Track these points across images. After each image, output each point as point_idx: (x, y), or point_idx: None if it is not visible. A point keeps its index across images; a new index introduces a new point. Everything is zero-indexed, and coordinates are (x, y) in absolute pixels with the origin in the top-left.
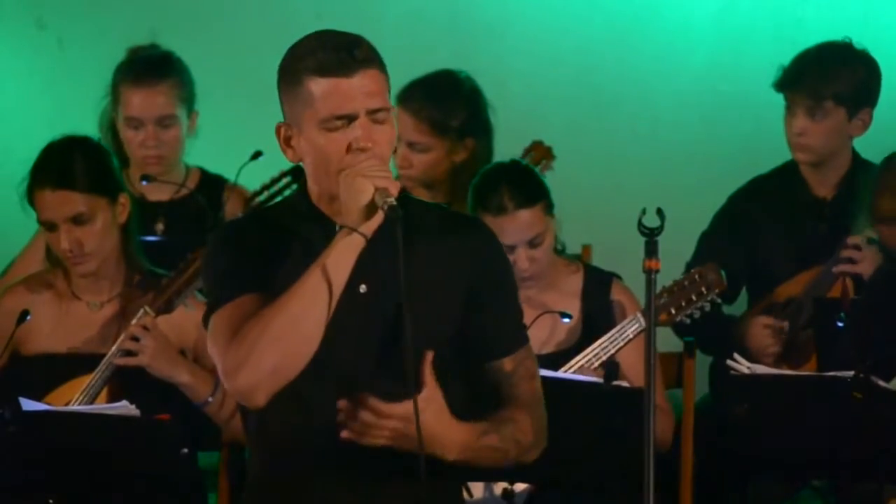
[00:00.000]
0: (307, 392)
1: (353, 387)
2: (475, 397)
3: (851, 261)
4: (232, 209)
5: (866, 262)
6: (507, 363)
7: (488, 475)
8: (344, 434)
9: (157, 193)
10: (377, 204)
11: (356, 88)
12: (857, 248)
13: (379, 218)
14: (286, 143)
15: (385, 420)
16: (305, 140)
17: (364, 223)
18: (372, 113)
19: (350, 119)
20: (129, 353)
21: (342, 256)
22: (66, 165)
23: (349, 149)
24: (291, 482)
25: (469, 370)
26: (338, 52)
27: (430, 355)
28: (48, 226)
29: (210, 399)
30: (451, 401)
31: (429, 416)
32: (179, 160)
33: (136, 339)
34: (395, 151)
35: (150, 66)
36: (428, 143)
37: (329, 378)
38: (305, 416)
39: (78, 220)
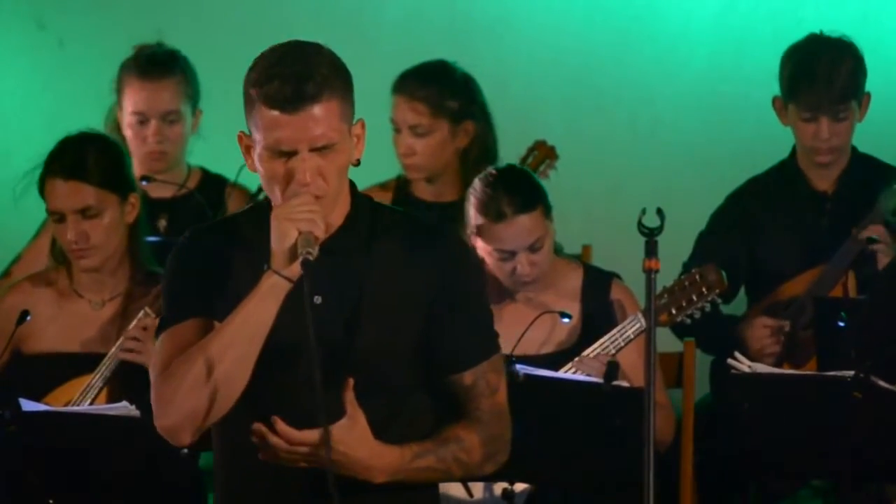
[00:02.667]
0: (264, 404)
1: (309, 397)
2: (443, 410)
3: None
4: (233, 208)
5: (884, 254)
6: (467, 377)
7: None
8: (260, 456)
9: (160, 191)
10: (298, 251)
11: (299, 126)
12: (873, 241)
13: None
14: (246, 152)
15: (296, 447)
16: (257, 157)
17: (289, 267)
18: (316, 149)
19: (290, 154)
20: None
21: (265, 300)
22: (81, 157)
23: (289, 181)
24: (250, 489)
25: (427, 384)
26: (289, 84)
27: (350, 382)
28: (56, 216)
29: None
30: (418, 415)
31: (351, 442)
32: (182, 158)
33: (136, 339)
34: (397, 144)
35: (156, 62)
36: (427, 124)
37: (286, 389)
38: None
39: (86, 213)
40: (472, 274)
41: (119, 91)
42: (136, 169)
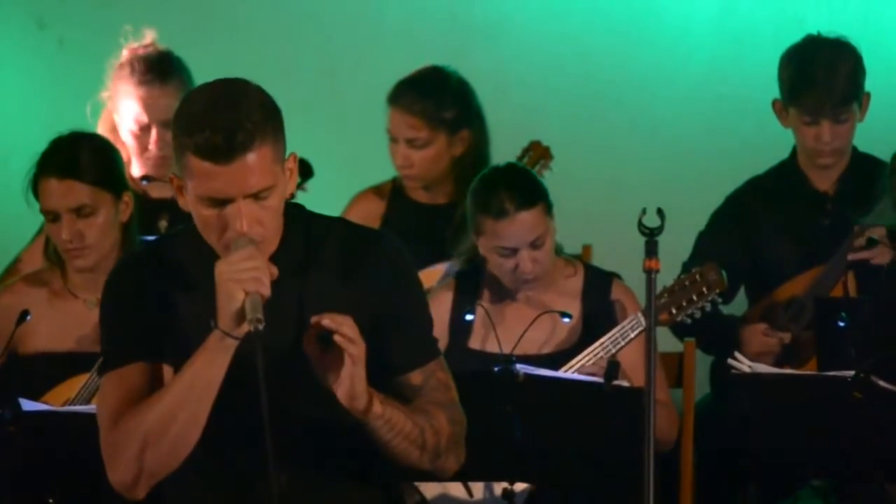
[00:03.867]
0: (214, 434)
1: (257, 418)
2: None
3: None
4: None
5: (882, 256)
6: (415, 377)
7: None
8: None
9: (160, 191)
10: (245, 317)
11: (233, 176)
12: (873, 241)
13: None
14: (178, 192)
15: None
16: (190, 201)
17: (237, 328)
18: (251, 196)
19: (225, 203)
20: None
21: (214, 360)
22: (74, 156)
23: (224, 228)
24: None
25: (377, 389)
26: (220, 134)
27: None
28: (51, 215)
29: None
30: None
31: (359, 370)
32: None
33: None
34: (395, 153)
35: (151, 69)
36: (425, 137)
37: (233, 418)
38: (216, 460)
39: (81, 212)
40: (407, 276)
41: (115, 96)
42: (140, 169)
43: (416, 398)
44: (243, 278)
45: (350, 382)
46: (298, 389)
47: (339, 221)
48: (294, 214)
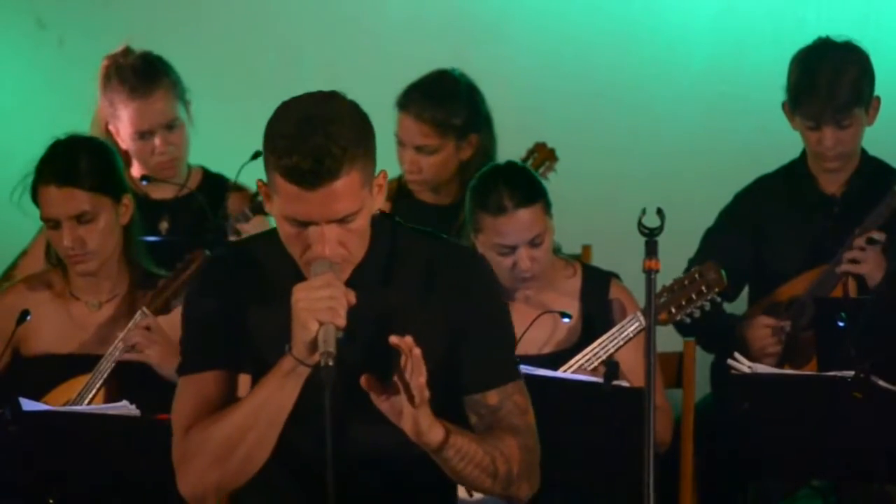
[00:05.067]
0: (290, 439)
1: (340, 431)
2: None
3: (855, 261)
4: (234, 209)
5: (870, 263)
6: (492, 396)
7: None
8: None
9: (161, 192)
10: (318, 347)
11: (319, 202)
12: (862, 248)
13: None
14: (266, 198)
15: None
16: (275, 214)
17: (309, 357)
18: (334, 221)
19: (308, 225)
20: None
21: (285, 384)
22: (73, 163)
23: (307, 247)
24: None
25: (452, 408)
26: (308, 160)
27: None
28: (51, 223)
29: None
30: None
31: (422, 411)
32: (187, 156)
33: (139, 338)
34: (402, 157)
35: (140, 79)
36: (435, 144)
37: (311, 424)
38: (290, 465)
39: (82, 219)
40: (496, 296)
41: (108, 107)
42: (143, 171)
43: (492, 419)
44: (318, 307)
45: (413, 421)
46: (371, 409)
47: (430, 236)
48: (382, 227)
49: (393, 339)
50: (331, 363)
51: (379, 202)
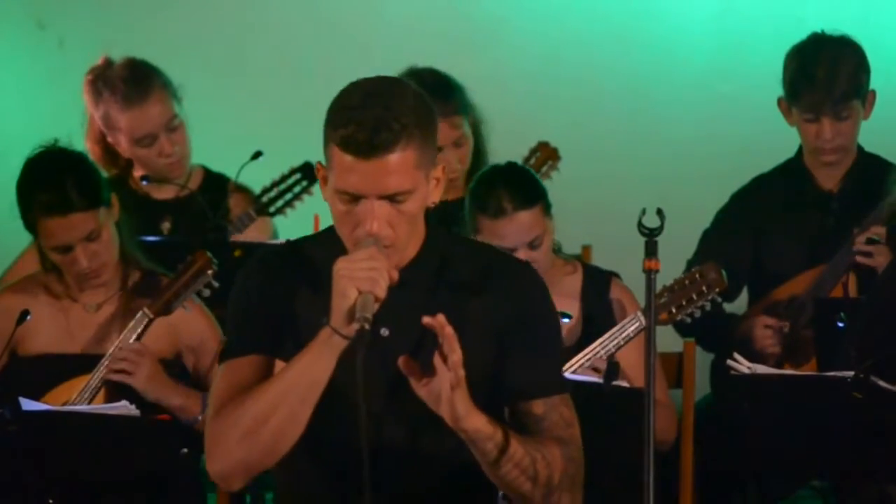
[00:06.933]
0: (328, 437)
1: (377, 429)
2: None
3: (868, 254)
4: (234, 210)
5: (883, 255)
6: (538, 406)
7: None
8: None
9: (163, 192)
10: (356, 314)
11: (371, 174)
12: (873, 241)
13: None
14: (322, 182)
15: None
16: (328, 193)
17: (347, 326)
18: (386, 197)
19: (360, 198)
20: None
21: (321, 356)
22: (62, 189)
23: (356, 225)
24: None
25: (498, 416)
26: (365, 130)
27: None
28: (62, 249)
29: (199, 417)
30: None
31: (459, 394)
32: (190, 153)
33: (127, 359)
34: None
35: (131, 88)
36: (466, 132)
37: (351, 421)
38: (328, 460)
39: (91, 237)
40: (547, 308)
41: (103, 118)
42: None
43: (536, 430)
44: (359, 276)
45: (450, 405)
46: (412, 411)
47: (485, 247)
48: (437, 235)
49: (426, 319)
50: (367, 327)
51: (436, 196)
